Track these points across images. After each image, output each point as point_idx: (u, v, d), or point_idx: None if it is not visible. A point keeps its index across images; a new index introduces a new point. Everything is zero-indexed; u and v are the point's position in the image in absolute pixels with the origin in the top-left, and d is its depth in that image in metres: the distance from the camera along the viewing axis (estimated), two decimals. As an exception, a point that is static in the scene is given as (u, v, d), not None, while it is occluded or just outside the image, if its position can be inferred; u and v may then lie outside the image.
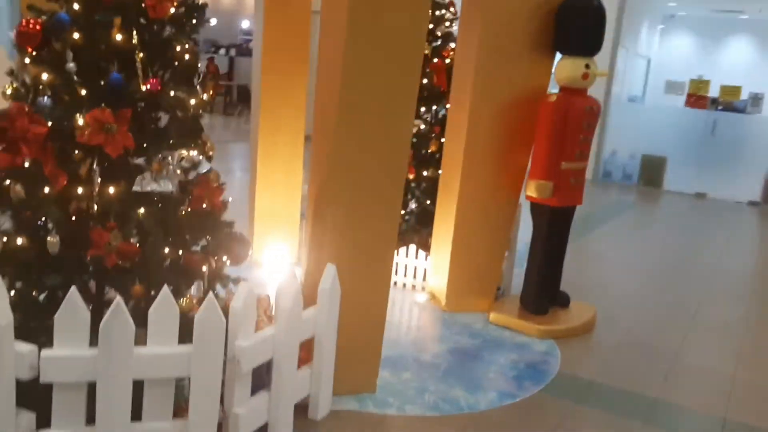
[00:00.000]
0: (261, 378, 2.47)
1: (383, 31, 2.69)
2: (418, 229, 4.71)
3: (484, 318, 4.14)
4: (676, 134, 10.81)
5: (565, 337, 3.95)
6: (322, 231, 2.85)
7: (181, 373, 2.15)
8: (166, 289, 2.12)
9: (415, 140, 4.63)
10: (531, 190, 3.96)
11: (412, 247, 4.53)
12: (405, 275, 4.58)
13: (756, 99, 10.16)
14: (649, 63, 14.45)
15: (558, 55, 4.03)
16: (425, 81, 4.63)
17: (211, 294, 2.19)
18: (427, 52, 4.66)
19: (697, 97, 10.47)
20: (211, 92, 2.69)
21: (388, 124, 2.80)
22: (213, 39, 18.27)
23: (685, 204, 10.21)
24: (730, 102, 10.38)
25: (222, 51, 17.65)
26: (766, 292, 5.59)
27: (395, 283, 4.57)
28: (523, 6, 3.89)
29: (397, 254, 4.55)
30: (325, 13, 2.88)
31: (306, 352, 2.67)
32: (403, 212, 4.63)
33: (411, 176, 4.65)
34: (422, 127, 4.64)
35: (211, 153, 2.71)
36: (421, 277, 4.54)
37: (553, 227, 4.08)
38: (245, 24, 18.57)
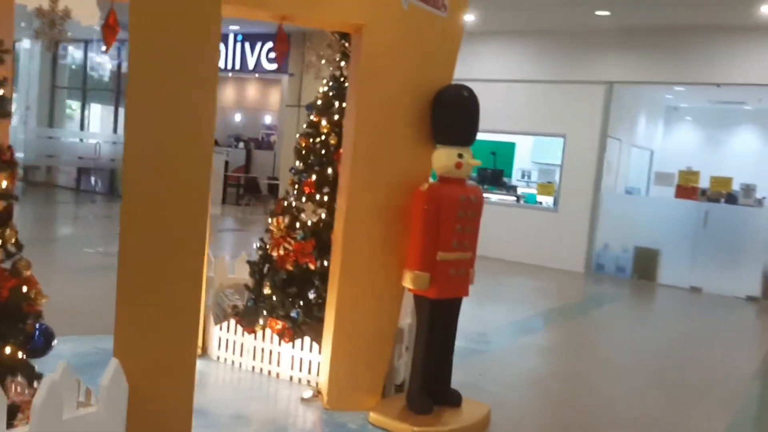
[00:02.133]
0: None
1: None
2: (319, 320, 4.58)
3: (364, 417, 3.92)
4: (668, 226, 10.52)
5: (445, 440, 3.71)
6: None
7: None
8: None
9: (319, 228, 4.57)
10: (407, 281, 3.83)
11: (307, 339, 4.38)
12: (300, 369, 4.42)
13: (748, 190, 9.86)
14: (652, 155, 14.27)
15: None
16: (330, 171, 4.61)
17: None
18: (333, 141, 4.67)
19: (687, 188, 10.23)
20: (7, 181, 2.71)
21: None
22: (237, 133, 19.00)
23: (678, 298, 9.80)
24: (722, 193, 10.10)
25: (241, 144, 18.20)
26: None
27: (290, 377, 4.41)
28: (402, 96, 3.89)
29: (293, 347, 4.41)
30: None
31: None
32: (301, 302, 4.52)
33: (312, 266, 4.56)
34: (323, 216, 4.59)
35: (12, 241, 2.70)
36: (315, 371, 4.37)
37: (435, 320, 3.91)
38: (267, 119, 19.28)
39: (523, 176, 14.33)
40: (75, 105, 18.04)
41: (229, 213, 14.83)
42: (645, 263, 10.67)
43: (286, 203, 4.75)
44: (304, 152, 4.78)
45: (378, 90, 3.87)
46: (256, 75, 16.61)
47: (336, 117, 4.62)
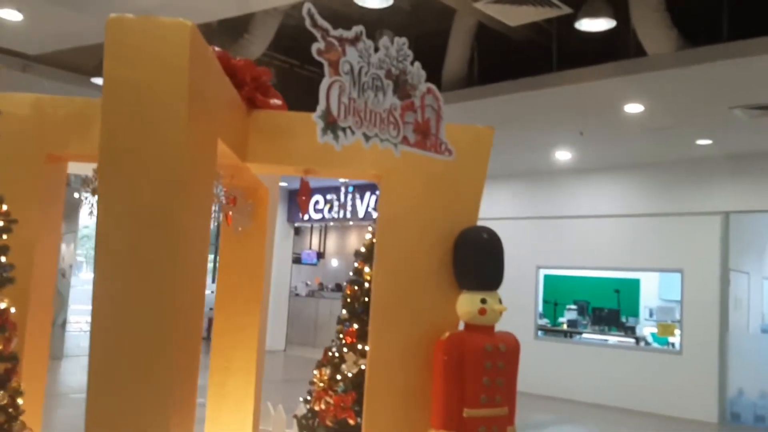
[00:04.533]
0: None
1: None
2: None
3: None
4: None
5: None
6: None
7: None
8: None
9: (360, 381, 4.40)
10: (432, 441, 3.53)
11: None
12: None
13: None
14: (795, 287, 12.87)
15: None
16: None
17: None
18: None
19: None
20: None
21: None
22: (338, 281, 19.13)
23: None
24: None
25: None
26: None
27: None
28: (422, 241, 3.79)
29: None
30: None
31: None
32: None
33: (351, 421, 4.35)
34: (364, 367, 4.42)
35: None
36: None
37: (468, 486, 3.53)
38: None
39: (651, 315, 13.36)
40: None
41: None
42: (789, 412, 9.33)
43: (330, 353, 4.65)
44: (349, 300, 4.72)
45: (397, 236, 3.80)
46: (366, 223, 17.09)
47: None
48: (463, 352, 3.50)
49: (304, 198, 4.05)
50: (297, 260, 17.79)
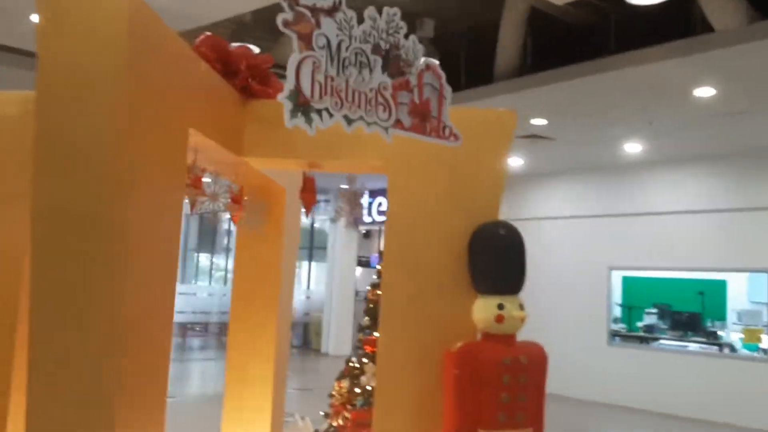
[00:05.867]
0: None
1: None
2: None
3: None
4: None
5: None
6: None
7: None
8: None
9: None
10: (444, 464, 3.10)
11: None
12: None
13: None
14: None
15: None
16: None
17: None
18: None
19: None
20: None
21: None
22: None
23: None
24: None
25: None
26: None
27: None
28: (435, 239, 3.38)
29: None
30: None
31: None
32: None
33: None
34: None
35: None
36: None
37: None
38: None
39: (740, 319, 12.31)
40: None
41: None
42: None
43: (350, 363, 4.29)
44: (372, 306, 4.36)
45: (408, 234, 3.40)
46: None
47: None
48: (476, 365, 3.06)
49: (309, 199, 3.70)
50: (366, 264, 17.54)
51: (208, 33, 3.62)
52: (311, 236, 17.58)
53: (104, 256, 2.24)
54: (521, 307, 3.16)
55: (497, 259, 3.19)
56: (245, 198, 4.10)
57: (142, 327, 2.47)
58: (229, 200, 3.90)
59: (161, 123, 2.55)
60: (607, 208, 11.36)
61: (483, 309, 3.16)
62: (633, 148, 9.87)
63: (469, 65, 8.49)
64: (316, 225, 17.57)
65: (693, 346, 10.55)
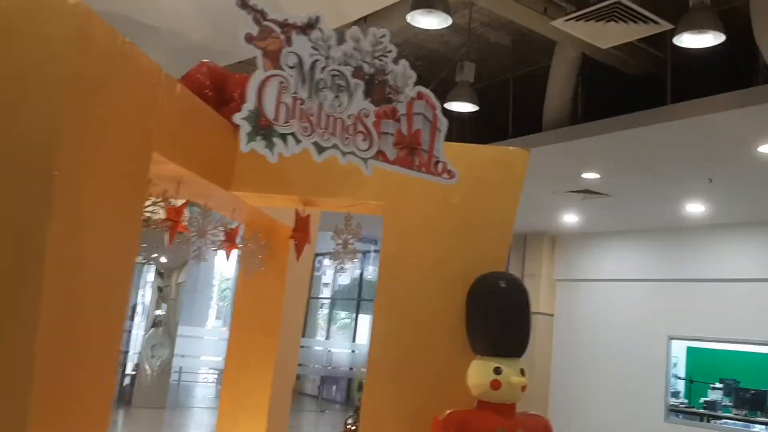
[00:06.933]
0: None
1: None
2: None
3: None
4: None
5: None
6: None
7: None
8: None
9: None
10: None
11: None
12: None
13: None
14: None
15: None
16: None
17: None
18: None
19: None
20: None
21: None
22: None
23: None
24: None
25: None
26: None
27: None
28: (431, 289, 3.02)
29: None
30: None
31: None
32: None
33: None
34: None
35: None
36: None
37: None
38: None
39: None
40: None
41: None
42: None
43: (347, 425, 3.91)
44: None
45: (400, 280, 3.07)
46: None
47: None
48: (465, 436, 2.65)
49: (300, 235, 3.41)
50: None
51: (206, 60, 3.45)
52: (360, 287, 17.22)
53: (20, 270, 2.01)
54: (522, 372, 2.74)
55: (496, 316, 2.80)
56: (241, 236, 3.86)
57: (65, 359, 2.18)
58: (222, 237, 3.66)
59: (113, 139, 2.32)
60: (667, 272, 10.63)
61: (478, 373, 2.76)
62: (695, 208, 9.23)
63: (517, 113, 8.16)
64: (366, 275, 17.24)
65: (758, 427, 9.60)
